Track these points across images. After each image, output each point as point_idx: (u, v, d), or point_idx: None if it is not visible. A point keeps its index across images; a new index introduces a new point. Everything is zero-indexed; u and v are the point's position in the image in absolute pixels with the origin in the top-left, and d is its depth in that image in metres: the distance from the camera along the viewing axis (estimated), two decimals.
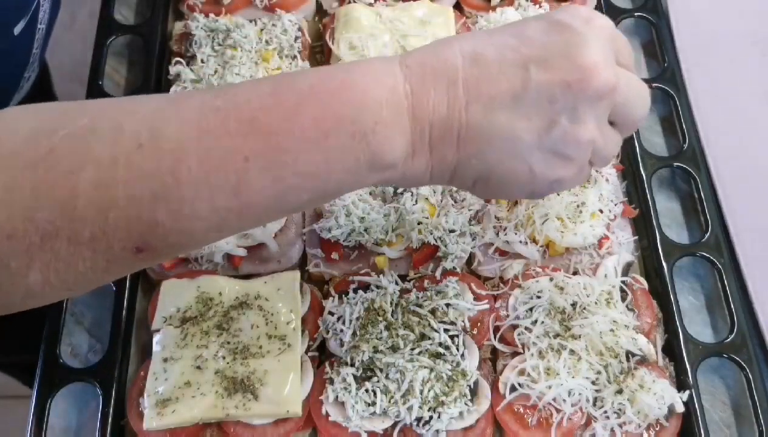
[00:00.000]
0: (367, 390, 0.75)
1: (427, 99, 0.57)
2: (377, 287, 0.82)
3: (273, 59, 0.99)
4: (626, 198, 0.91)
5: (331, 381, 0.77)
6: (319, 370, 0.79)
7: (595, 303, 0.80)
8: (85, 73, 1.01)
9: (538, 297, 0.81)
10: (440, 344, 0.78)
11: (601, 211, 0.86)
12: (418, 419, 0.74)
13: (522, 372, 0.77)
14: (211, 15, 1.02)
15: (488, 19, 1.01)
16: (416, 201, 0.86)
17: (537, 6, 1.03)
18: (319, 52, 1.07)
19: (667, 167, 0.94)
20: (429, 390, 0.74)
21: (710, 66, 1.03)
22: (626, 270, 0.86)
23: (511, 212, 0.87)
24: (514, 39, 0.58)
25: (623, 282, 0.83)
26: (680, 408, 0.76)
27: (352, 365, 0.77)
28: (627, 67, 0.61)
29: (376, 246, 0.85)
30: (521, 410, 0.76)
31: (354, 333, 0.79)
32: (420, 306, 0.80)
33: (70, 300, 0.87)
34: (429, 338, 0.78)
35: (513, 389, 0.77)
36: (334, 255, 0.86)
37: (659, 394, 0.74)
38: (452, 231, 0.85)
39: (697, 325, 0.86)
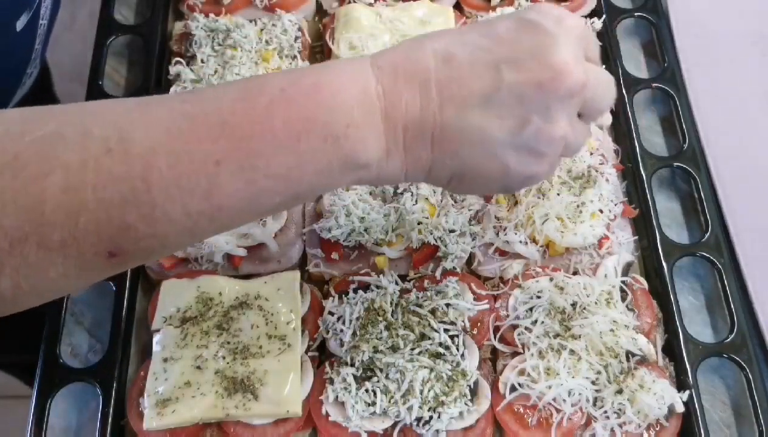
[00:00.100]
0: (367, 390, 0.75)
1: (399, 100, 0.57)
2: (377, 287, 0.82)
3: (273, 59, 0.99)
4: (626, 198, 0.92)
5: (331, 381, 0.77)
6: (319, 370, 0.79)
7: (595, 303, 0.80)
8: (85, 73, 1.01)
9: (538, 297, 0.81)
10: (440, 344, 0.78)
11: (601, 211, 0.86)
12: (418, 419, 0.74)
13: (522, 372, 0.77)
14: (211, 15, 1.03)
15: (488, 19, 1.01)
16: (416, 201, 0.86)
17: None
18: (319, 52, 1.07)
19: (667, 167, 0.94)
20: (429, 390, 0.74)
21: (710, 66, 1.03)
22: (626, 270, 0.86)
23: (511, 212, 0.87)
24: (485, 39, 0.59)
25: (623, 282, 0.83)
26: (680, 408, 0.76)
27: (352, 365, 0.77)
28: (595, 62, 0.63)
29: (376, 246, 0.85)
30: (521, 410, 0.76)
31: (354, 333, 0.79)
32: (420, 306, 0.80)
33: (70, 300, 0.87)
34: (429, 338, 0.78)
35: (513, 389, 0.77)
36: (334, 255, 0.86)
37: (659, 394, 0.74)
38: (452, 231, 0.85)
39: (697, 325, 0.86)
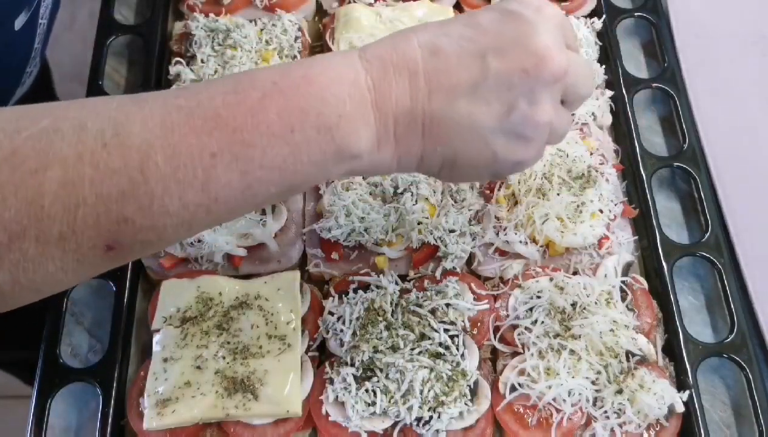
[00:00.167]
0: (367, 390, 0.75)
1: (389, 91, 0.59)
2: (377, 287, 0.82)
3: (273, 59, 0.99)
4: (626, 198, 0.92)
5: (331, 381, 0.77)
6: (319, 370, 0.79)
7: (595, 303, 0.80)
8: (85, 72, 1.01)
9: (538, 297, 0.81)
10: (440, 344, 0.78)
11: (601, 211, 0.86)
12: (418, 419, 0.74)
13: (522, 372, 0.77)
14: (211, 15, 1.03)
15: None
16: (416, 201, 0.86)
17: None
18: (319, 52, 1.06)
19: (667, 167, 0.94)
20: (429, 390, 0.74)
21: (710, 66, 1.03)
22: (626, 270, 0.86)
23: (511, 212, 0.87)
24: (469, 29, 0.61)
25: (623, 282, 0.83)
26: (680, 408, 0.76)
27: (352, 365, 0.77)
28: (574, 50, 0.65)
29: (376, 246, 0.85)
30: (521, 410, 0.76)
31: (354, 333, 0.79)
32: (420, 306, 0.80)
33: (70, 300, 0.87)
34: (429, 338, 0.78)
35: (513, 389, 0.77)
36: (334, 255, 0.86)
37: (659, 394, 0.74)
38: (452, 231, 0.85)
39: (697, 325, 0.86)
